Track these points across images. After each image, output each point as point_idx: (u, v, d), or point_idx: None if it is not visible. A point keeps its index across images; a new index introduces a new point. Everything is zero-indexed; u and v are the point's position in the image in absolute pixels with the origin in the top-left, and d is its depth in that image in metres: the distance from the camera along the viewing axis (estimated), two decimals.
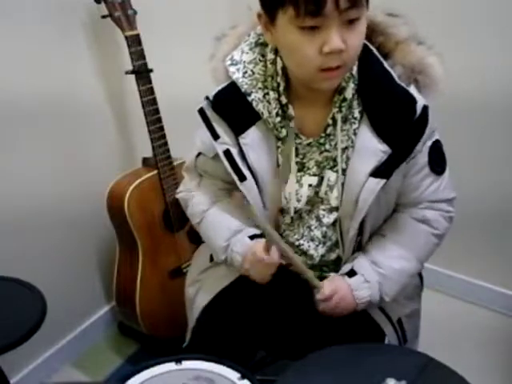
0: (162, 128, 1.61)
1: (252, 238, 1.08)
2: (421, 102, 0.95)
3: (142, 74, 1.55)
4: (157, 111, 1.58)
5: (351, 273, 1.05)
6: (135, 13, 1.53)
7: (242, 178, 1.04)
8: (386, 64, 0.96)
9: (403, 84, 0.95)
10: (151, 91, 1.57)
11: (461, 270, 2.00)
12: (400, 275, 1.06)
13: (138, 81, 1.55)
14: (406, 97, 0.94)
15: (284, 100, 1.00)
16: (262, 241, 1.04)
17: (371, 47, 0.97)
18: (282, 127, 1.01)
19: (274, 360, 1.27)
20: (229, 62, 1.01)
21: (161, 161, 1.63)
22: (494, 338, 1.82)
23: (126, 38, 1.51)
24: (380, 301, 1.05)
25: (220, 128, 1.03)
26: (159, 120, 1.60)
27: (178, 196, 1.25)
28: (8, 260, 1.49)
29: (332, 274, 1.09)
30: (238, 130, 1.02)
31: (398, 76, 0.96)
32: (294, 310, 1.03)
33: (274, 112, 1.00)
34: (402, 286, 1.07)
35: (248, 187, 1.05)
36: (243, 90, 1.00)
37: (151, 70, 1.57)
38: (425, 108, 0.95)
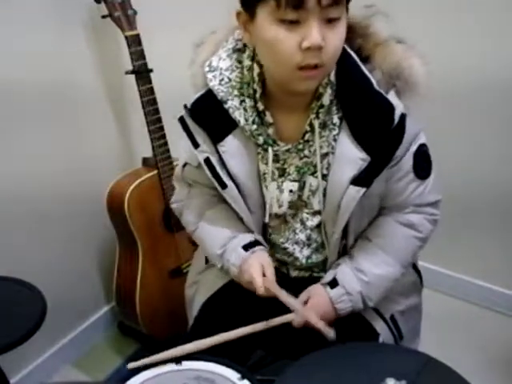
0: (161, 128, 1.61)
1: (246, 247, 1.07)
2: (399, 109, 0.93)
3: (142, 73, 1.55)
4: (157, 111, 1.59)
5: (333, 283, 1.05)
6: (135, 13, 1.53)
7: (224, 185, 1.04)
8: (364, 69, 0.95)
9: (382, 91, 0.93)
10: (151, 91, 1.57)
11: (461, 270, 2.00)
12: (383, 280, 1.06)
13: (138, 81, 1.55)
14: (384, 104, 0.93)
15: (261, 107, 1.00)
16: (257, 261, 1.04)
17: (350, 52, 0.95)
18: (258, 134, 1.01)
19: (274, 360, 1.27)
20: (207, 69, 1.01)
21: (161, 161, 1.63)
22: (494, 338, 1.82)
23: (126, 38, 1.51)
24: (364, 307, 1.05)
25: (199, 136, 1.03)
26: (159, 120, 1.60)
27: (171, 206, 1.25)
28: (8, 260, 1.49)
29: (312, 287, 1.08)
30: (216, 137, 1.02)
31: (376, 81, 0.94)
32: (287, 311, 1.03)
33: (251, 119, 0.99)
34: (384, 291, 1.07)
35: (230, 194, 1.05)
36: (219, 97, 0.99)
37: (151, 70, 1.57)
38: (402, 116, 0.94)
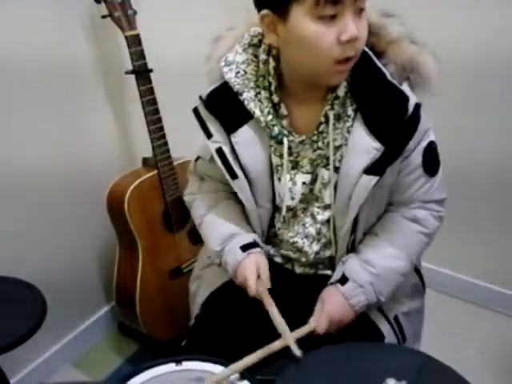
0: (161, 128, 1.61)
1: (244, 248, 1.08)
2: (413, 99, 0.95)
3: (142, 73, 1.55)
4: (157, 111, 1.59)
5: (343, 279, 1.04)
6: (135, 13, 1.53)
7: (234, 176, 1.04)
8: (378, 62, 0.97)
9: (395, 82, 0.95)
10: (151, 91, 1.57)
11: (461, 270, 2.00)
12: (392, 274, 1.06)
13: (138, 81, 1.55)
14: (398, 95, 0.95)
15: (276, 99, 1.01)
16: (253, 263, 1.05)
17: (364, 46, 0.96)
18: (273, 125, 1.01)
19: (274, 360, 1.27)
20: (223, 63, 1.02)
21: (161, 161, 1.63)
22: (494, 337, 1.82)
23: (126, 38, 1.51)
24: (377, 301, 1.05)
25: (213, 127, 1.04)
26: (159, 120, 1.60)
27: (184, 198, 1.27)
28: (8, 260, 1.49)
29: (323, 292, 1.07)
30: (230, 128, 1.03)
31: (390, 74, 0.96)
32: (292, 308, 1.03)
33: (266, 111, 1.01)
34: (395, 285, 1.07)
35: (240, 185, 1.06)
36: (235, 89, 1.01)
37: (151, 70, 1.57)
38: (417, 106, 0.95)
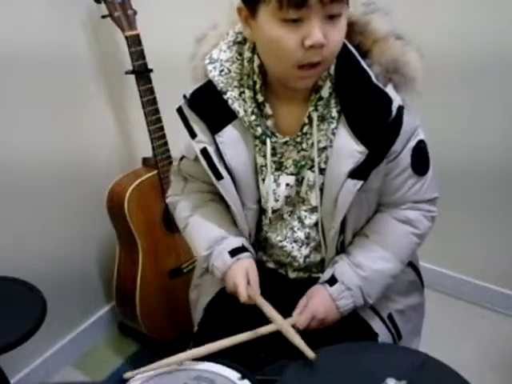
0: (162, 128, 1.61)
1: (232, 252, 1.07)
2: (396, 102, 0.94)
3: (142, 73, 1.55)
4: (157, 111, 1.59)
5: (332, 280, 1.04)
6: (135, 13, 1.53)
7: (219, 176, 1.03)
8: (363, 63, 0.95)
9: (380, 84, 0.94)
10: (151, 91, 1.57)
11: (461, 270, 2.00)
12: (382, 276, 1.05)
13: (138, 81, 1.55)
14: (382, 97, 0.93)
15: (260, 98, 1.00)
16: (242, 269, 1.04)
17: (349, 46, 0.96)
18: (257, 125, 1.00)
19: (274, 360, 1.27)
20: (207, 61, 1.01)
21: (161, 161, 1.63)
22: (493, 337, 1.82)
23: (126, 38, 1.51)
24: (364, 304, 1.05)
25: (197, 126, 1.03)
26: (159, 120, 1.60)
27: (166, 200, 1.25)
28: (8, 260, 1.49)
29: (311, 289, 1.07)
30: (214, 128, 1.02)
31: (375, 75, 0.95)
32: (287, 313, 1.02)
33: (250, 110, 0.99)
34: (384, 287, 1.07)
35: (225, 186, 1.04)
36: (219, 88, 0.99)
37: (151, 70, 1.57)
38: (399, 108, 0.94)
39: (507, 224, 1.84)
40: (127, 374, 0.89)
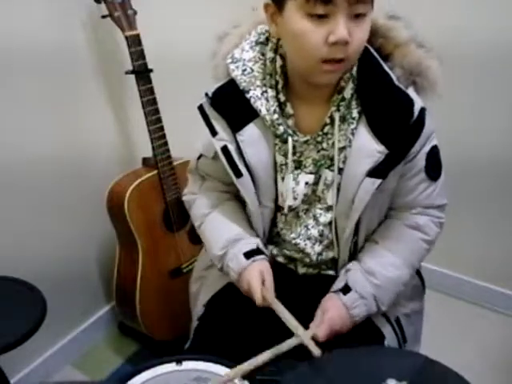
0: (162, 128, 1.61)
1: (247, 255, 1.07)
2: (418, 104, 0.95)
3: (142, 73, 1.55)
4: (157, 111, 1.58)
5: (345, 289, 1.04)
6: (135, 13, 1.53)
7: (239, 174, 1.04)
8: (385, 66, 0.97)
9: (402, 86, 0.96)
10: (151, 91, 1.57)
11: (461, 270, 2.01)
12: (394, 284, 1.06)
13: (138, 81, 1.55)
14: (404, 99, 0.95)
15: (282, 98, 1.01)
16: (257, 271, 1.04)
17: (371, 49, 0.97)
18: (279, 124, 1.01)
19: (274, 360, 1.27)
20: (229, 60, 1.02)
21: (161, 161, 1.63)
22: (494, 338, 1.82)
23: (126, 38, 1.51)
24: (377, 311, 1.05)
25: (218, 124, 1.04)
26: (159, 120, 1.60)
27: (183, 198, 1.26)
28: (8, 260, 1.49)
29: (324, 299, 1.06)
30: (235, 126, 1.03)
31: (396, 78, 0.96)
32: (295, 309, 1.03)
33: (272, 109, 1.00)
34: (395, 294, 1.07)
35: (244, 184, 1.05)
36: (242, 87, 1.01)
37: (151, 70, 1.56)
38: (422, 110, 0.96)
39: (507, 224, 1.84)
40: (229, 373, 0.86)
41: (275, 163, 1.07)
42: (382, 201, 1.07)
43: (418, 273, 1.23)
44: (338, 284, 1.06)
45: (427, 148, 1.03)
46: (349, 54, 0.90)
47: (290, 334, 0.97)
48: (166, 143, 1.63)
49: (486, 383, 1.59)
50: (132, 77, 1.55)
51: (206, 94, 1.04)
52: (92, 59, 1.65)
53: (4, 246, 1.52)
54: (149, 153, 1.67)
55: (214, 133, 1.04)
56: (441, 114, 1.69)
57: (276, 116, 1.01)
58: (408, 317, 1.16)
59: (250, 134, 1.03)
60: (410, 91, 0.97)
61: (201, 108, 1.05)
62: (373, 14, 0.91)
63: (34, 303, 1.19)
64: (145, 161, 1.74)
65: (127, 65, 1.55)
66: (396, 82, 0.95)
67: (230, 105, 1.03)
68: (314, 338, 0.96)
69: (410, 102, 0.94)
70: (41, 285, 1.26)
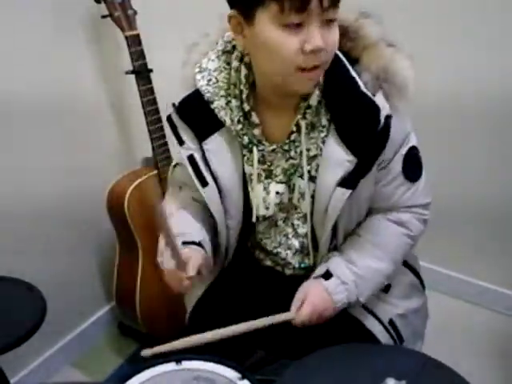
0: (161, 128, 1.61)
1: (185, 244, 1.05)
2: (385, 110, 0.93)
3: (142, 73, 1.55)
4: (157, 111, 1.59)
5: (327, 275, 1.03)
6: (135, 13, 1.53)
7: (205, 183, 1.04)
8: (352, 71, 0.95)
9: (369, 92, 0.94)
10: (151, 91, 1.57)
11: (461, 270, 2.00)
12: (375, 275, 1.05)
13: (138, 81, 1.55)
14: (370, 106, 0.93)
15: (247, 107, 1.00)
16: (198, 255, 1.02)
17: (338, 53, 0.95)
18: (244, 134, 1.01)
19: (274, 360, 1.27)
20: (197, 70, 1.02)
21: (161, 161, 1.63)
22: (494, 337, 1.82)
23: (126, 38, 1.51)
24: (356, 301, 1.04)
25: (184, 133, 1.05)
26: (159, 120, 1.60)
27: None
28: (8, 260, 1.49)
29: (306, 283, 1.06)
30: (201, 136, 1.03)
31: (364, 83, 0.94)
32: (283, 310, 1.02)
33: (236, 119, 1.00)
34: (376, 286, 1.07)
35: (209, 193, 1.05)
36: (206, 97, 1.01)
37: (151, 70, 1.57)
38: (387, 118, 0.94)
39: (507, 224, 1.83)
40: (145, 352, 0.89)
41: (244, 174, 1.07)
42: (359, 206, 1.06)
43: (414, 271, 1.22)
44: (319, 270, 1.06)
45: (404, 150, 1.01)
46: (323, 61, 0.89)
47: (284, 334, 0.97)
48: (165, 143, 1.63)
49: (485, 383, 1.59)
50: (132, 77, 1.55)
51: (173, 104, 1.05)
52: (92, 59, 1.65)
53: (4, 246, 1.52)
54: (149, 153, 1.67)
55: (181, 142, 1.05)
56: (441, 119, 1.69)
57: (240, 126, 1.01)
58: (404, 317, 1.14)
59: (216, 143, 1.03)
60: (379, 97, 0.94)
61: (169, 118, 1.07)
62: (342, 15, 0.89)
63: (34, 303, 1.20)
64: (145, 161, 1.74)
65: (127, 65, 1.55)
66: (362, 88, 0.93)
67: (196, 115, 1.03)
68: (293, 321, 0.99)
69: (376, 109, 0.93)
70: (41, 285, 1.26)
